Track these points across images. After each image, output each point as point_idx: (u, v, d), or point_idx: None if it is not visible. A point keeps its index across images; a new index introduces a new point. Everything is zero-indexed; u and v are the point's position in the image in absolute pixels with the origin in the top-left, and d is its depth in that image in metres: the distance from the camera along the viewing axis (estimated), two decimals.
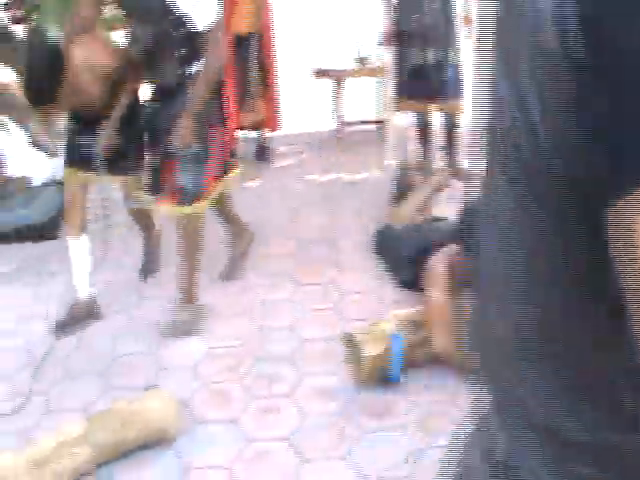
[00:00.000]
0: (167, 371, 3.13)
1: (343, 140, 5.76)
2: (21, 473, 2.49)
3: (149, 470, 2.59)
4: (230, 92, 3.38)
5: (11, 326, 3.60)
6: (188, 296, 3.41)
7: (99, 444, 2.59)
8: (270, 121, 5.35)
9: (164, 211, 3.35)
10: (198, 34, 2.98)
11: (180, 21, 2.93)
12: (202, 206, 3.24)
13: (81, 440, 2.59)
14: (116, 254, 3.81)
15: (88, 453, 2.58)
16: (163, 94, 3.14)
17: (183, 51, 3.01)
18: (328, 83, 5.79)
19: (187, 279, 3.40)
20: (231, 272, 3.76)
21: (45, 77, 3.01)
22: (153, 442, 2.67)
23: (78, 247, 3.51)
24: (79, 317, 3.54)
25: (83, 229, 3.50)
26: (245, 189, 4.92)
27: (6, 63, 7.12)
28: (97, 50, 3.17)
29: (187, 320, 3.38)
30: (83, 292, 3.56)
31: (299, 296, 3.63)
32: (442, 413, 2.79)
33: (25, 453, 2.56)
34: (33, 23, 7.61)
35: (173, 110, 3.04)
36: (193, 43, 3.01)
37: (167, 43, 2.99)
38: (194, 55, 3.03)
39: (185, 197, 3.17)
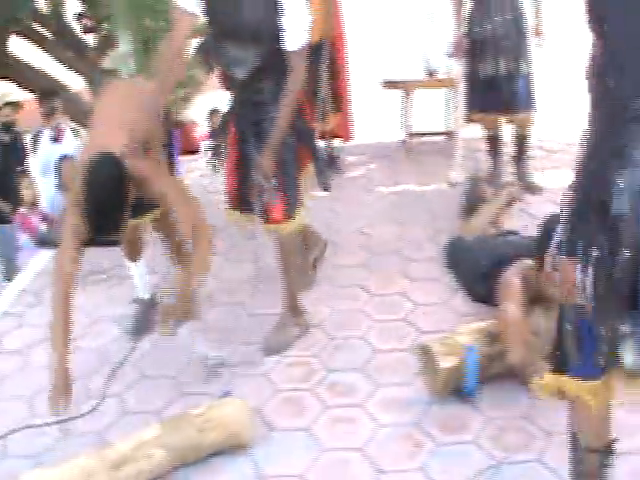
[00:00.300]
0: (240, 378, 3.15)
1: (411, 151, 5.73)
2: (97, 474, 2.53)
3: (224, 476, 2.61)
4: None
5: (84, 328, 3.67)
6: (294, 310, 3.41)
7: (175, 448, 2.63)
8: (342, 131, 5.34)
9: (267, 230, 3.28)
10: (287, 52, 2.95)
11: (281, 38, 2.92)
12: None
13: (157, 443, 2.63)
14: None
15: (164, 456, 2.61)
16: (254, 109, 3.11)
17: (278, 67, 2.99)
18: (397, 94, 5.78)
19: (290, 292, 3.39)
20: (303, 283, 3.74)
21: (109, 216, 2.72)
22: (228, 449, 2.69)
23: (135, 268, 3.65)
24: (144, 319, 3.62)
25: (139, 258, 3.60)
26: (315, 199, 4.96)
27: (79, 72, 7.32)
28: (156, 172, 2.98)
29: (290, 336, 3.38)
30: (144, 295, 3.69)
31: (371, 307, 3.62)
32: (517, 429, 2.74)
33: (101, 455, 2.60)
34: (104, 32, 7.82)
35: (262, 133, 3.06)
36: (285, 60, 2.98)
37: (270, 62, 2.97)
38: (283, 72, 3.00)
39: (288, 211, 3.16)
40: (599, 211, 1.74)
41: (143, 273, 3.65)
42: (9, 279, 5.21)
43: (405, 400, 2.94)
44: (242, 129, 3.17)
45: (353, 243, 4.26)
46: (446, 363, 2.85)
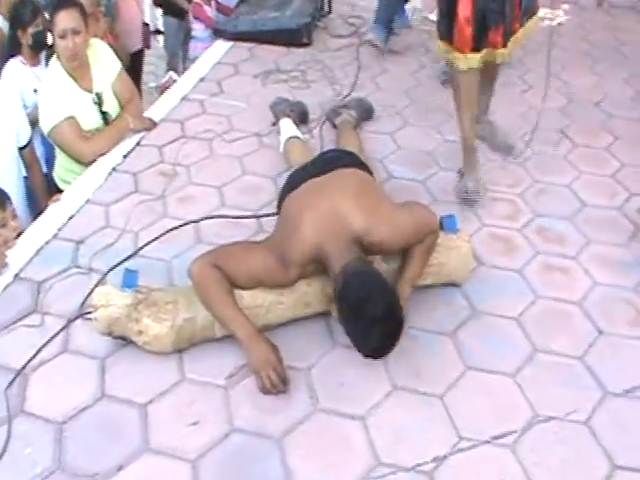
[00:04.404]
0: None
1: (603, 4, 4.87)
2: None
3: (437, 307, 2.27)
4: None
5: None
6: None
7: None
8: None
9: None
10: None
11: None
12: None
13: None
14: None
15: None
16: None
17: None
18: None
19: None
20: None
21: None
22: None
23: None
24: None
25: None
26: None
27: None
28: None
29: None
30: None
31: (574, 156, 3.09)
32: None
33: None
34: None
35: None
36: None
37: None
38: None
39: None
40: None
41: None
42: (173, 69, 4.82)
43: (621, 262, 2.49)
44: None
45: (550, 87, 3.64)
46: None
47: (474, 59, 2.59)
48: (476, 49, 2.56)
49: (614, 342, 2.17)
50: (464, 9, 2.48)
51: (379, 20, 3.95)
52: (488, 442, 1.85)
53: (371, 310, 1.83)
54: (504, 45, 2.64)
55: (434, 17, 4.27)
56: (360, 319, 1.85)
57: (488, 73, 2.84)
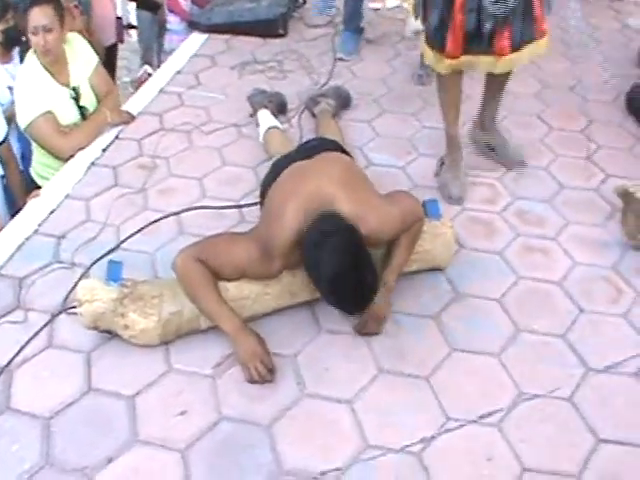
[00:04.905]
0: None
1: None
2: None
3: (423, 292, 2.28)
4: None
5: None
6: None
7: None
8: None
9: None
10: None
11: None
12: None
13: None
14: None
15: None
16: None
17: None
18: None
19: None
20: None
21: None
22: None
23: None
24: None
25: None
26: None
27: None
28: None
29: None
30: None
31: (551, 139, 3.11)
32: None
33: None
34: None
35: None
36: None
37: None
38: None
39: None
40: None
41: None
42: (147, 63, 4.77)
43: (599, 242, 2.51)
44: None
45: (524, 72, 3.67)
46: None
47: (460, 63, 2.48)
48: (465, 52, 2.44)
49: (594, 320, 2.20)
50: (458, 14, 2.36)
51: (348, 28, 3.89)
52: (475, 421, 1.87)
53: (331, 243, 1.86)
54: (513, 49, 2.44)
55: (406, 5, 4.32)
56: (320, 254, 1.87)
57: (493, 83, 2.75)
